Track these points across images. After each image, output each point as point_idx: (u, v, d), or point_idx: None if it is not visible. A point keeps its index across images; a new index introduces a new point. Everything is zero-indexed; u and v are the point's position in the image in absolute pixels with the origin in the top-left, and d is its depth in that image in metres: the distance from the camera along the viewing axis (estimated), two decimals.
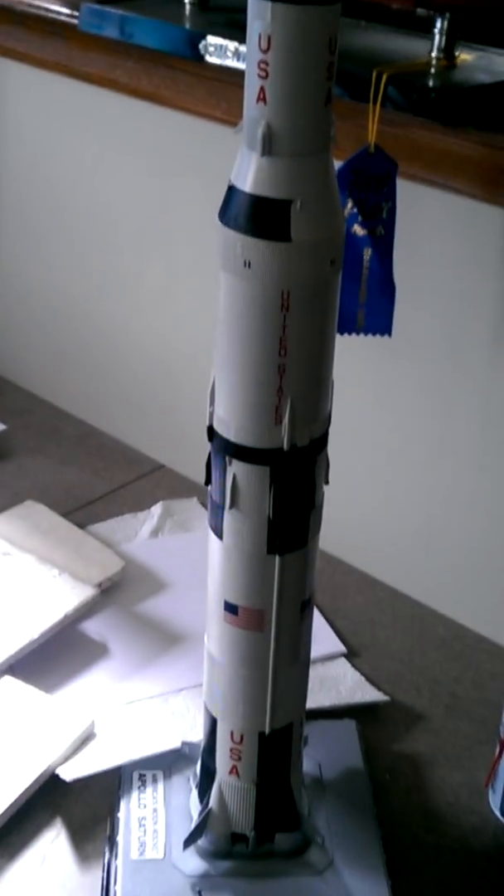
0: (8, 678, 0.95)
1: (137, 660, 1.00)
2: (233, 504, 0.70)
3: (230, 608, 0.73)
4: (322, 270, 0.63)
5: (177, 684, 0.96)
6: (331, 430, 0.71)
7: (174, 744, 0.89)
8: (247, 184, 0.61)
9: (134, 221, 1.23)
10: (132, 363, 1.31)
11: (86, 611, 1.03)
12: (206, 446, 0.71)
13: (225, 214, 0.62)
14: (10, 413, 1.35)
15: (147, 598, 1.07)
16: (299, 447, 0.68)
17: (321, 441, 0.70)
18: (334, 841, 0.82)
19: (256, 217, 0.60)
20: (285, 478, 0.68)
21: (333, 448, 0.73)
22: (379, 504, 1.13)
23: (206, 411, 0.70)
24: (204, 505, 1.18)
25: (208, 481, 0.72)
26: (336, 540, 1.10)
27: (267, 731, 0.77)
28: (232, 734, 0.77)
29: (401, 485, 1.10)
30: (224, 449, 0.69)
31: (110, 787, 0.87)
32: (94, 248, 1.28)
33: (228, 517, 0.71)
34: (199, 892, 0.78)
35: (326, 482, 0.73)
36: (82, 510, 1.19)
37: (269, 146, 0.59)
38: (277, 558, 0.71)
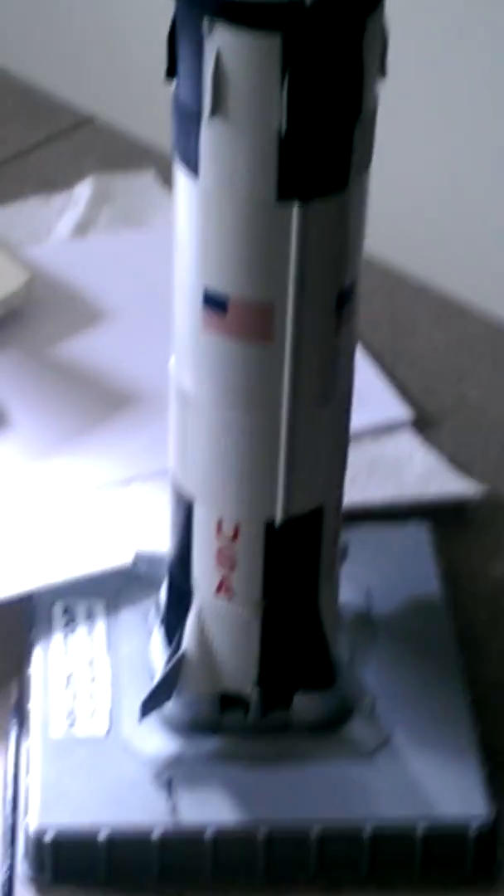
0: None
1: (54, 435, 1.01)
2: (216, 108, 0.66)
3: (215, 303, 0.71)
4: None
5: (121, 472, 0.98)
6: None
7: (121, 559, 0.89)
8: None
9: None
10: None
11: None
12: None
13: None
14: None
15: (68, 337, 1.10)
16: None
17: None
18: (391, 707, 0.82)
19: None
20: (309, 52, 0.64)
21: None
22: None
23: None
24: (168, 182, 1.11)
25: (172, 72, 0.68)
26: (399, 244, 1.12)
27: (278, 518, 0.75)
28: (220, 525, 0.76)
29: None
30: (201, 4, 0.64)
31: (15, 629, 0.88)
32: None
33: (209, 135, 0.66)
34: (170, 783, 0.78)
35: (383, 73, 0.69)
36: None
37: None
38: (296, 208, 0.67)
